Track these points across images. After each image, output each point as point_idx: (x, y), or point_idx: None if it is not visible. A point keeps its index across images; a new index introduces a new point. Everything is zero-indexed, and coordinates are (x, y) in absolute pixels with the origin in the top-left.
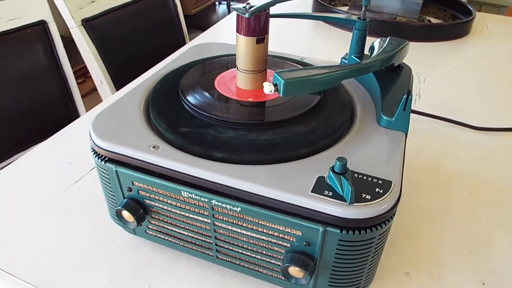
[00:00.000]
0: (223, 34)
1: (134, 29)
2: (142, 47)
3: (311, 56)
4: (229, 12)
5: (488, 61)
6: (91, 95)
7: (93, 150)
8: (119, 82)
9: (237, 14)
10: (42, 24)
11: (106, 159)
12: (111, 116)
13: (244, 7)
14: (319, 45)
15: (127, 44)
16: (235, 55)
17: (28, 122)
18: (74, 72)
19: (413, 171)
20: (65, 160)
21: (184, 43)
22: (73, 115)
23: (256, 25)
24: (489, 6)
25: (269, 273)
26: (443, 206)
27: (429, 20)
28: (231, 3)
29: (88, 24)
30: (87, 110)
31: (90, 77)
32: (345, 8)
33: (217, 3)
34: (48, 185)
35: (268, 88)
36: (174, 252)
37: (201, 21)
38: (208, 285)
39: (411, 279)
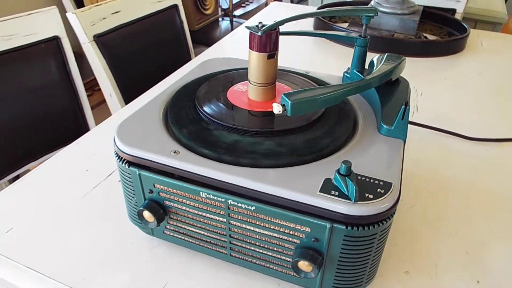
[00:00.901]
0: (227, 49)
1: (143, 44)
2: (150, 61)
3: (313, 70)
4: (232, 27)
5: (482, 75)
6: (98, 108)
7: (117, 155)
8: (127, 95)
9: (250, 32)
10: (55, 39)
11: (129, 163)
12: (133, 124)
13: (256, 26)
14: (320, 60)
15: (136, 58)
16: (242, 69)
17: (40, 132)
18: None
19: (412, 179)
20: (82, 168)
21: (189, 58)
22: (83, 126)
23: (267, 42)
24: (484, 23)
25: (279, 269)
26: (440, 211)
27: (425, 37)
28: (234, 19)
29: (100, 39)
30: (96, 122)
31: (98, 90)
32: (345, 25)
33: (220, 19)
34: (68, 191)
35: (277, 108)
36: (189, 252)
37: (205, 36)
38: (221, 283)
39: (411, 278)
